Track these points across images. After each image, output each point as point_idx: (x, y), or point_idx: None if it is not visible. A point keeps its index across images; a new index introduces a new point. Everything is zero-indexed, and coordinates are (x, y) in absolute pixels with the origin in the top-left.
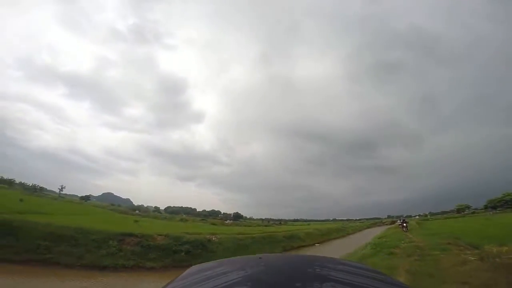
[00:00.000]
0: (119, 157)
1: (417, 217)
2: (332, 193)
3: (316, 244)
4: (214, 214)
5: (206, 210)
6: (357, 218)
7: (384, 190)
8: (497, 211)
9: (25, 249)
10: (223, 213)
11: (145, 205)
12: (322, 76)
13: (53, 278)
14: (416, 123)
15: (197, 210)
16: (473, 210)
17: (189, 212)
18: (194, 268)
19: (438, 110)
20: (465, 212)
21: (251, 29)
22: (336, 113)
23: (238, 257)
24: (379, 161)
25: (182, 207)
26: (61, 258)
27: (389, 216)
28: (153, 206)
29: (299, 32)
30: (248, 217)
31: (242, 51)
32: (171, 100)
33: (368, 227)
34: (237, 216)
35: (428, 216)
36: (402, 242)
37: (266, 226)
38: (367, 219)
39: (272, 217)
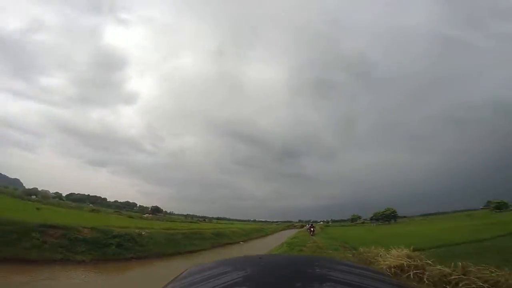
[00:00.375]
0: (16, 127)
1: (321, 222)
2: (254, 195)
3: (241, 242)
4: (129, 206)
5: (119, 201)
6: (274, 220)
7: (298, 196)
8: (379, 223)
9: None
10: (139, 205)
11: (39, 189)
12: (269, 83)
13: None
14: (333, 139)
15: (108, 200)
16: (363, 220)
17: (97, 201)
18: (194, 268)
19: (353, 130)
20: (357, 222)
21: (215, 22)
22: (272, 120)
23: (238, 257)
24: (299, 169)
25: (89, 195)
26: None
27: (299, 220)
28: (53, 192)
29: (259, 36)
30: (168, 211)
31: (198, 41)
32: (102, 76)
33: (283, 229)
34: (156, 210)
35: (330, 223)
36: (308, 243)
37: (191, 222)
38: (282, 221)
39: (195, 213)
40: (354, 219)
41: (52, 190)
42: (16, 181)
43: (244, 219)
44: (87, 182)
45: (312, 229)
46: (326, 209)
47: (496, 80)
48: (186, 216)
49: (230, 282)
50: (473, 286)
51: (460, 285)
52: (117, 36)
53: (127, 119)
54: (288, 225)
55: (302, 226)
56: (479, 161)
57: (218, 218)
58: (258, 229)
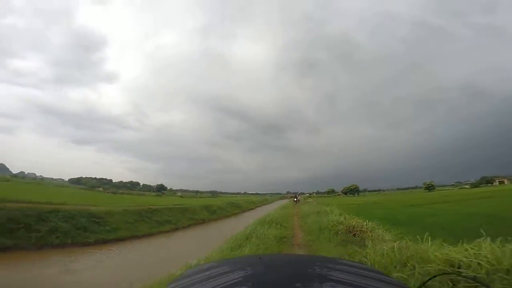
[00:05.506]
0: None
1: (307, 194)
2: (243, 168)
3: (257, 207)
4: (132, 185)
5: (123, 181)
6: (263, 193)
7: (285, 168)
8: (347, 196)
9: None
10: (143, 184)
11: (26, 172)
12: (255, 60)
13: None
14: (317, 115)
15: (113, 181)
16: (338, 194)
17: (105, 183)
18: (194, 268)
19: (335, 107)
20: (332, 194)
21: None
22: (258, 96)
23: (238, 257)
24: (285, 142)
25: (96, 178)
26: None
27: (288, 192)
28: (56, 178)
29: (248, 13)
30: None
31: (184, 19)
32: (80, 57)
33: (278, 200)
34: (161, 188)
35: (314, 194)
36: (294, 209)
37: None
38: (271, 194)
39: (187, 188)
40: (329, 192)
41: (35, 171)
42: (2, 168)
43: (234, 192)
44: (74, 162)
45: (295, 199)
46: (311, 180)
47: (469, 65)
48: (195, 192)
49: (230, 282)
50: (355, 229)
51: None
52: (94, 16)
53: (108, 97)
54: (280, 196)
55: (291, 197)
56: (446, 142)
57: (210, 192)
58: (265, 199)
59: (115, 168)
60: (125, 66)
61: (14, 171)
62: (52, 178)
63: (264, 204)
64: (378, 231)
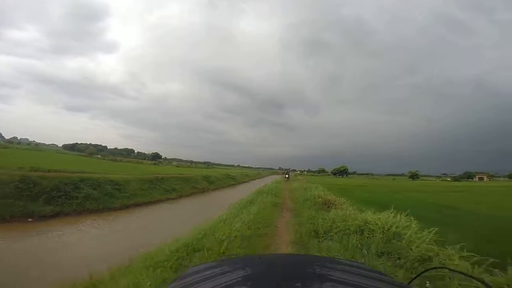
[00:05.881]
0: None
1: (298, 171)
2: (239, 140)
3: (249, 181)
4: (127, 152)
5: (118, 148)
6: (256, 166)
7: (280, 144)
8: (336, 176)
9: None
10: (138, 152)
11: (19, 138)
12: (261, 36)
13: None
14: (319, 95)
15: (108, 147)
16: (328, 174)
17: (100, 149)
18: (194, 268)
19: (338, 89)
20: (322, 173)
21: None
22: (261, 72)
23: (238, 257)
24: (283, 119)
25: (91, 144)
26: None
27: (280, 168)
28: (49, 143)
29: None
30: (163, 156)
31: None
32: (80, 27)
33: (271, 175)
34: (156, 156)
35: (305, 172)
36: (283, 191)
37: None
38: (264, 168)
39: (181, 158)
40: (320, 171)
41: (31, 138)
42: None
43: (228, 164)
44: (66, 128)
45: (287, 175)
46: (304, 158)
47: (485, 62)
48: (179, 161)
49: (230, 282)
50: (329, 202)
51: (328, 203)
52: None
53: (107, 66)
54: (272, 171)
55: (283, 173)
56: (442, 133)
57: (205, 163)
58: (258, 173)
59: (108, 134)
60: (125, 36)
61: (7, 136)
62: (45, 144)
63: (258, 178)
64: (345, 205)
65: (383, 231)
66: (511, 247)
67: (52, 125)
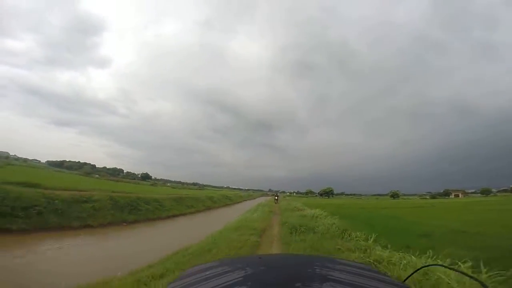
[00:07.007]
0: None
1: (288, 193)
2: (228, 162)
3: (243, 201)
4: (115, 172)
5: (107, 167)
6: (246, 188)
7: (269, 166)
8: (322, 197)
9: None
10: (127, 171)
11: None
12: (253, 57)
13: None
14: (307, 117)
15: (97, 166)
16: (315, 195)
17: (87, 168)
18: (194, 268)
19: (325, 111)
20: (310, 195)
21: None
22: (251, 93)
23: (238, 257)
24: (272, 141)
25: (79, 162)
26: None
27: (270, 190)
28: (27, 158)
29: (252, 11)
30: (153, 177)
31: (187, 10)
32: (75, 40)
33: (260, 196)
34: (145, 177)
35: (294, 194)
36: (274, 207)
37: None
38: (254, 190)
39: (169, 179)
40: (307, 193)
41: (12, 152)
42: None
43: (217, 185)
44: (50, 144)
45: (276, 197)
46: (293, 180)
47: (458, 81)
48: (167, 182)
49: (230, 282)
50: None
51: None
52: (97, 0)
53: (98, 82)
54: (262, 193)
55: (272, 195)
56: (425, 154)
57: (193, 184)
58: (249, 195)
59: (94, 152)
60: (119, 52)
61: None
62: (27, 159)
63: (250, 200)
64: (307, 210)
65: (312, 216)
66: (397, 237)
67: (36, 139)
